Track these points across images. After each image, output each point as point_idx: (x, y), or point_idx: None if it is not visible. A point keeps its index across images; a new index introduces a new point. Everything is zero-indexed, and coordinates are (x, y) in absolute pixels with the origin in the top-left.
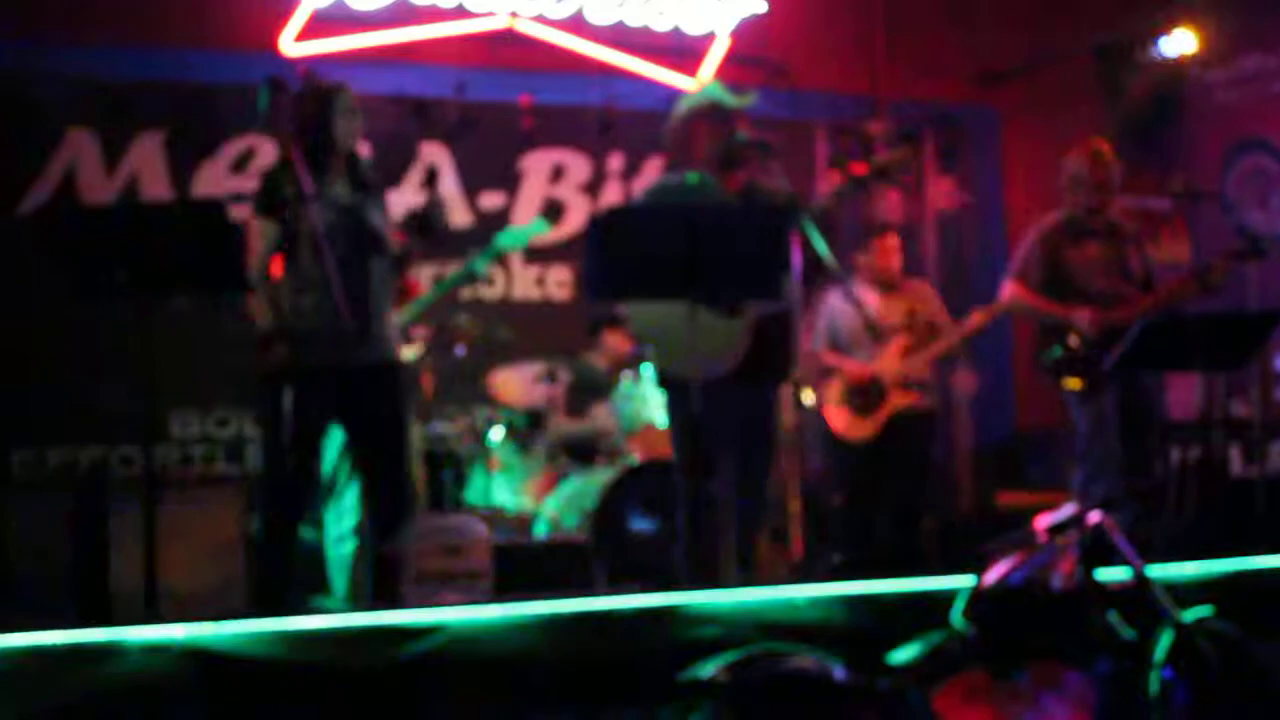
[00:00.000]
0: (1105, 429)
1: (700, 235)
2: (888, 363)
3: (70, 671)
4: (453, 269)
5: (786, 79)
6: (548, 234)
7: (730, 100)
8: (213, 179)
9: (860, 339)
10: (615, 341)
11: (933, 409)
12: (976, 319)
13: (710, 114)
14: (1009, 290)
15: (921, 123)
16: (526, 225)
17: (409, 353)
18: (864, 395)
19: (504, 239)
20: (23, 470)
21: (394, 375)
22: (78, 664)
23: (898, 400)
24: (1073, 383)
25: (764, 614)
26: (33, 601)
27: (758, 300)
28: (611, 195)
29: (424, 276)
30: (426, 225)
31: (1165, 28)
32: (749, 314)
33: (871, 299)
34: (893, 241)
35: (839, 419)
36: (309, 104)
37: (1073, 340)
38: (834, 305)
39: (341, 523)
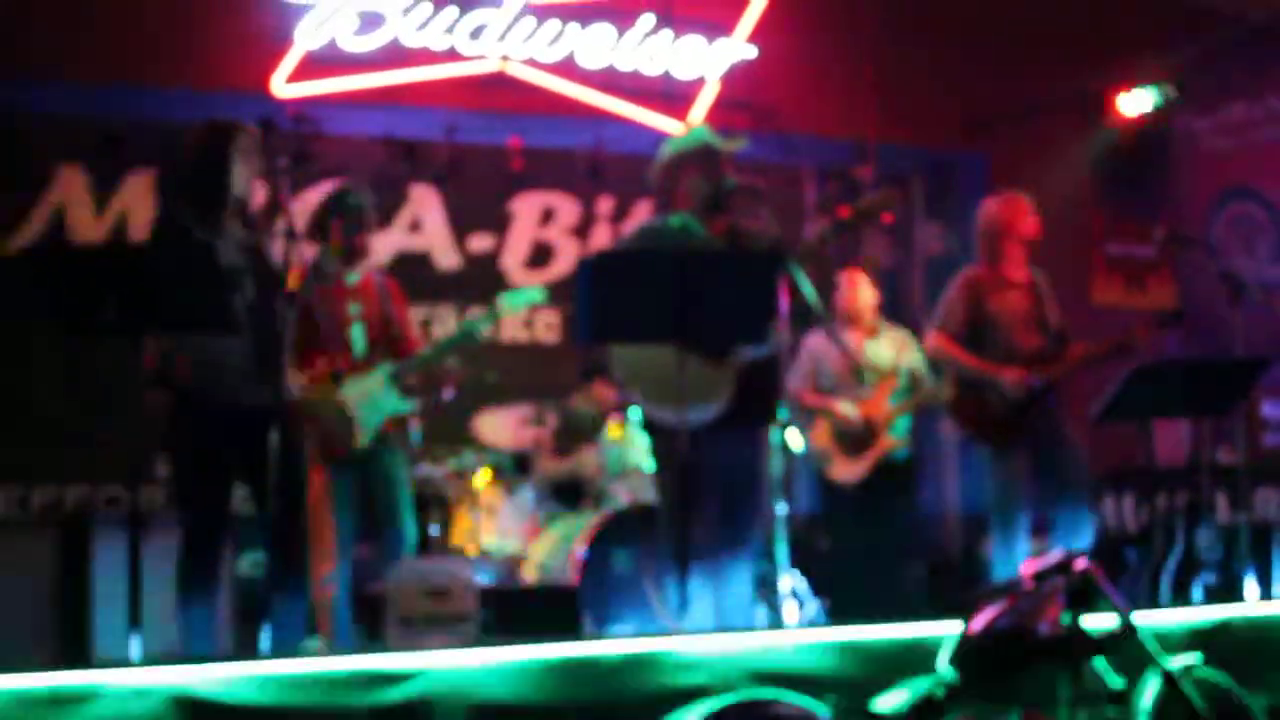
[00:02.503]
0: (1015, 490)
1: (688, 279)
2: (877, 406)
3: (51, 716)
4: (440, 312)
5: (775, 123)
6: (544, 301)
7: (719, 143)
8: None
9: (846, 381)
10: (604, 392)
11: (917, 453)
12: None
13: (698, 157)
14: (933, 341)
15: (909, 168)
16: (526, 291)
17: (410, 404)
18: (854, 437)
19: (506, 301)
20: (7, 509)
21: (292, 416)
22: (59, 708)
23: (886, 443)
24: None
25: (749, 660)
26: (14, 642)
27: (745, 344)
28: (600, 238)
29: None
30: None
31: (1150, 76)
32: (735, 360)
33: (856, 340)
34: (849, 278)
35: (827, 460)
36: (204, 140)
37: (991, 397)
38: (817, 346)
39: (322, 565)
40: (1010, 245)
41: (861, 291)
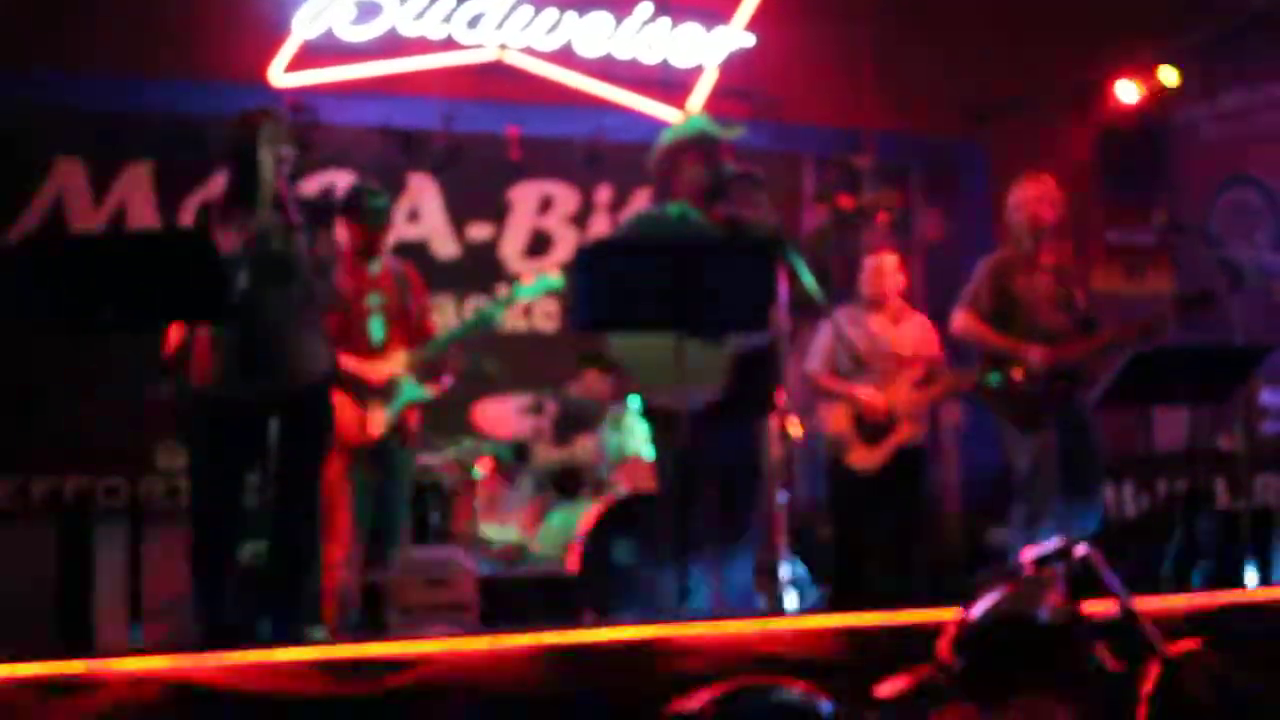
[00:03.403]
0: (1046, 467)
1: (686, 267)
2: (900, 393)
3: (52, 703)
4: (439, 301)
5: (774, 112)
6: (562, 288)
7: (717, 131)
8: None
9: (865, 365)
10: (598, 381)
11: (926, 442)
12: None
13: (695, 145)
14: (960, 319)
15: (909, 157)
16: (544, 279)
17: (427, 392)
18: (875, 424)
19: (521, 290)
20: (7, 500)
21: (305, 405)
22: (61, 696)
23: (906, 432)
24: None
25: (750, 646)
26: (15, 632)
27: (742, 332)
28: (599, 227)
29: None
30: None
31: (1149, 63)
32: (731, 345)
33: (879, 326)
34: (877, 262)
35: (844, 447)
36: (234, 133)
37: (1016, 373)
38: (837, 329)
39: (334, 551)
40: (1041, 230)
41: (888, 276)
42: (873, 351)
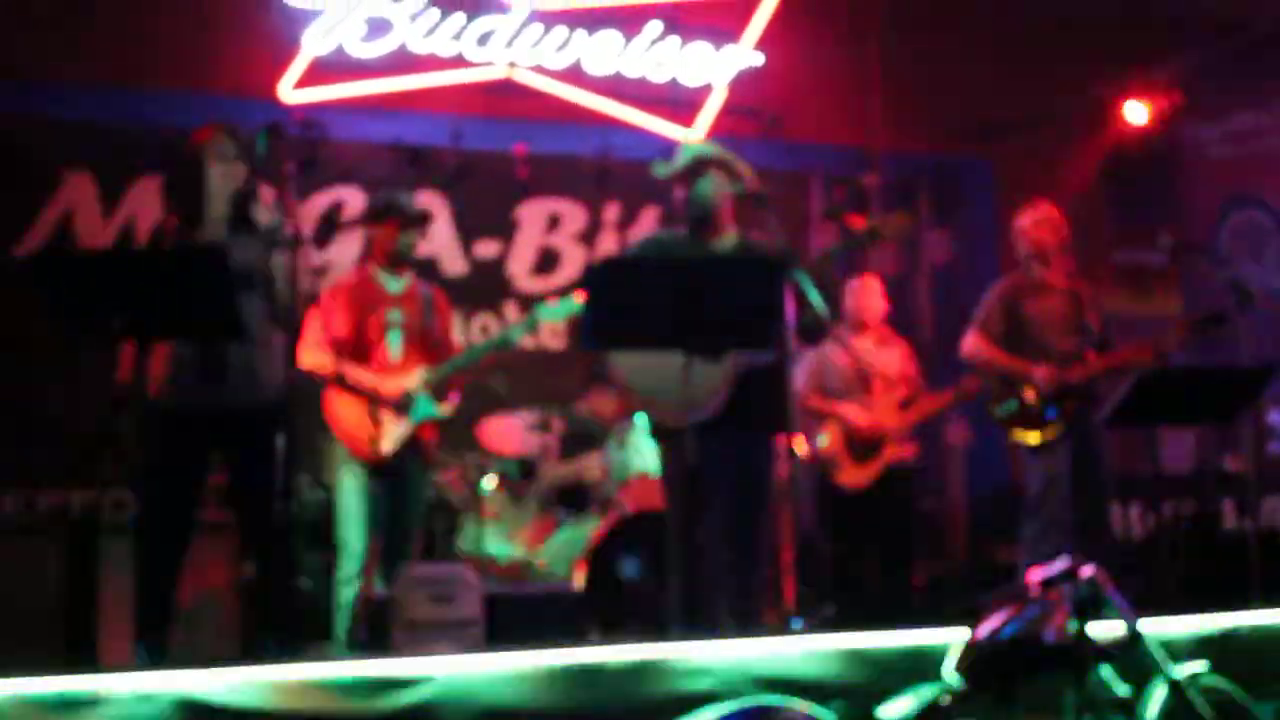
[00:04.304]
0: (1057, 485)
1: (693, 286)
2: (886, 412)
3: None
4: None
5: (781, 130)
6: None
7: (695, 156)
8: None
9: (853, 386)
10: (602, 399)
11: (922, 461)
12: (972, 382)
13: (688, 170)
14: (970, 341)
15: (916, 176)
16: (569, 302)
17: (445, 409)
18: (863, 443)
19: (545, 312)
20: (13, 514)
21: (259, 417)
22: (66, 712)
23: (894, 451)
24: (1030, 436)
25: (756, 665)
26: (20, 646)
27: (748, 351)
28: (607, 245)
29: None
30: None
31: (1157, 84)
32: (729, 361)
33: (864, 345)
34: (861, 285)
35: (836, 465)
36: (185, 150)
37: (1028, 395)
38: (825, 351)
39: (346, 567)
40: (1046, 254)
41: (872, 299)
42: (861, 371)
